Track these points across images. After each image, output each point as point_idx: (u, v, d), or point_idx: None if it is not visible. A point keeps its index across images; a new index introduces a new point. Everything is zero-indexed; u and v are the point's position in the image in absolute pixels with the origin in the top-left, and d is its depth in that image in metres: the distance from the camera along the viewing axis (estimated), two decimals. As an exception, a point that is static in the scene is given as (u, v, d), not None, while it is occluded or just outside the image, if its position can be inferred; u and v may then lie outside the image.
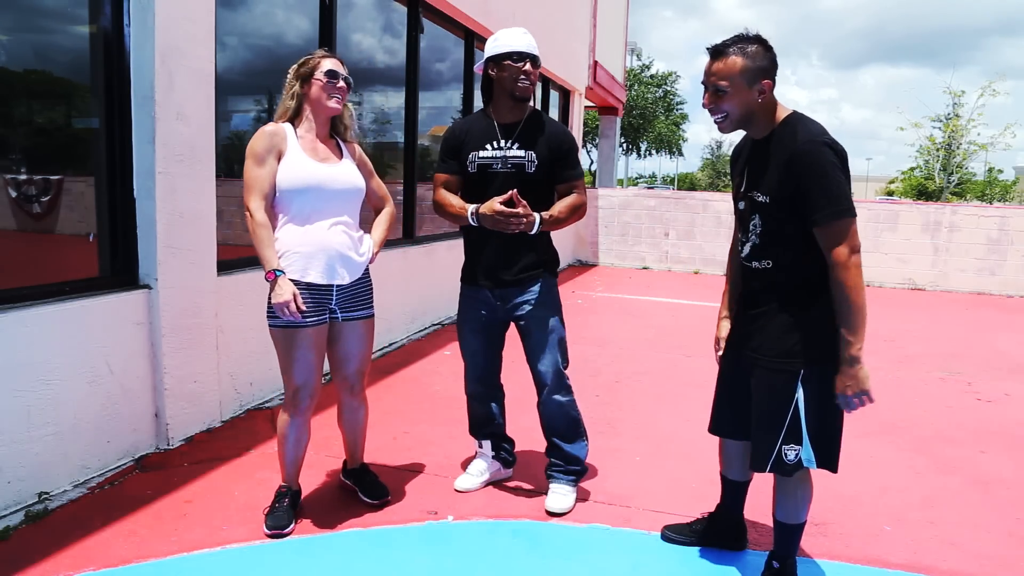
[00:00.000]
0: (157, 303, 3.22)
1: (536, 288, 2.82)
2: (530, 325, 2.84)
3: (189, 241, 3.38)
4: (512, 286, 2.81)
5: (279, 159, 2.52)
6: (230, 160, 4.18)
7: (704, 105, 2.16)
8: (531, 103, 2.87)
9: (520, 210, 2.63)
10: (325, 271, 2.57)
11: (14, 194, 2.93)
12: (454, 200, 2.81)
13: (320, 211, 2.57)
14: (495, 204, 2.65)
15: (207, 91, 3.45)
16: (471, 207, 2.74)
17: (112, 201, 3.15)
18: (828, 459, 2.23)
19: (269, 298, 2.50)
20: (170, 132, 3.21)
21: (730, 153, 2.50)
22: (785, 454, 2.18)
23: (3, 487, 2.66)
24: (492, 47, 2.76)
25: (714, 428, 2.50)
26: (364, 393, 2.88)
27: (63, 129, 3.22)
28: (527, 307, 2.82)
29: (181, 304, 3.35)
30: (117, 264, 3.18)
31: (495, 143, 2.79)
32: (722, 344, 2.46)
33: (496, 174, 2.77)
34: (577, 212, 2.81)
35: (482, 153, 2.79)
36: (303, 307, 2.47)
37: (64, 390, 2.85)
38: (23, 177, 2.98)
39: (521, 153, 2.77)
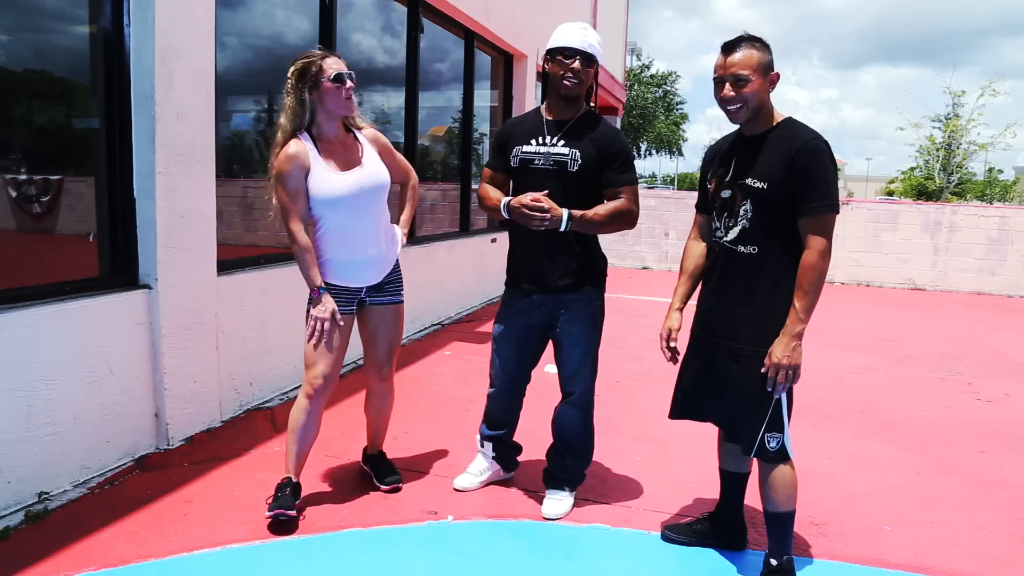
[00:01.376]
0: (157, 303, 3.22)
1: (576, 301, 2.75)
2: (563, 339, 2.79)
3: (189, 241, 3.38)
4: (553, 294, 2.74)
5: (307, 176, 2.58)
6: (230, 160, 4.18)
7: (722, 96, 2.25)
8: (587, 104, 2.80)
9: (544, 205, 2.56)
10: (362, 278, 2.73)
11: (14, 194, 2.93)
12: (492, 193, 2.80)
13: (355, 218, 2.66)
14: (524, 197, 2.61)
15: (207, 91, 3.44)
16: (504, 199, 2.71)
17: (112, 201, 3.15)
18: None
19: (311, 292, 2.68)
20: (170, 132, 3.21)
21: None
22: (767, 441, 2.27)
23: (3, 487, 2.66)
24: (550, 41, 2.70)
25: (677, 413, 2.56)
26: (392, 380, 2.96)
27: (63, 129, 3.22)
28: (563, 321, 2.77)
29: (181, 304, 3.35)
30: (117, 264, 3.18)
31: (540, 139, 2.73)
32: (674, 335, 2.52)
33: (537, 170, 2.70)
34: (622, 218, 2.68)
35: (526, 148, 2.74)
36: (339, 322, 2.66)
37: (64, 390, 2.85)
38: (23, 177, 2.98)
39: (565, 151, 2.68)
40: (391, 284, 2.83)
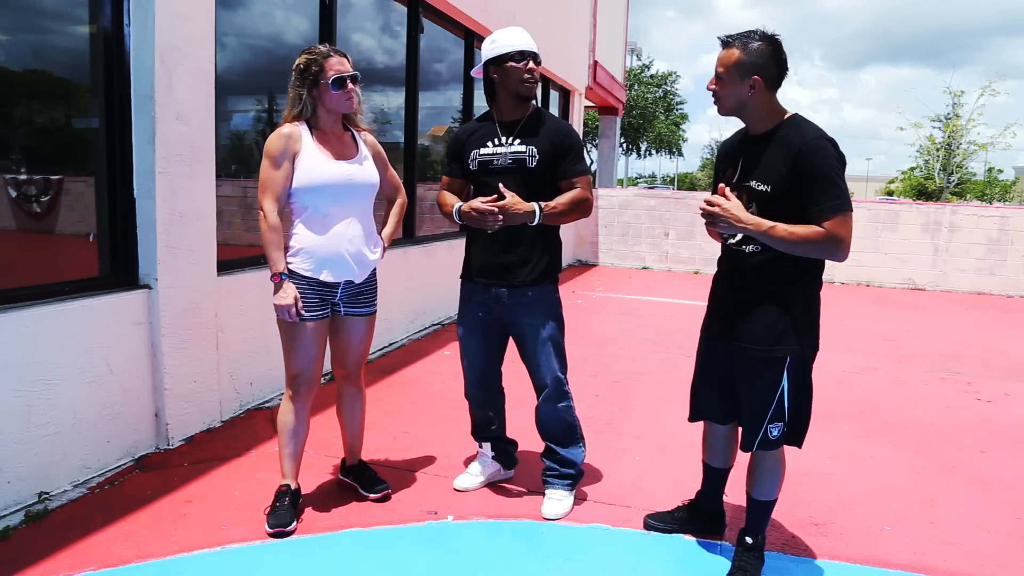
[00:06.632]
0: (157, 303, 3.22)
1: (532, 295, 2.78)
2: (525, 332, 2.82)
3: (189, 241, 3.38)
4: (508, 287, 2.77)
5: (294, 160, 2.57)
6: (230, 160, 4.18)
7: (707, 87, 2.34)
8: (534, 102, 2.87)
9: (495, 207, 2.62)
10: (339, 271, 2.66)
11: (14, 194, 2.93)
12: (448, 199, 2.87)
13: (337, 209, 2.64)
14: (474, 202, 2.68)
15: (207, 91, 3.44)
16: (456, 204, 2.77)
17: (112, 201, 3.15)
18: (796, 436, 2.38)
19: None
20: (170, 132, 3.21)
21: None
22: (770, 431, 2.31)
23: (3, 487, 2.66)
24: (491, 49, 2.74)
25: (695, 415, 2.60)
26: (361, 381, 2.94)
27: (63, 129, 3.22)
28: (522, 314, 2.79)
29: (181, 304, 3.35)
30: (117, 264, 3.18)
31: (496, 140, 2.79)
32: None
33: (497, 170, 2.76)
34: (580, 207, 2.76)
35: (483, 151, 2.79)
36: (303, 312, 2.59)
37: (64, 390, 2.85)
38: (23, 177, 2.98)
39: (522, 148, 2.75)
40: (366, 294, 2.78)
